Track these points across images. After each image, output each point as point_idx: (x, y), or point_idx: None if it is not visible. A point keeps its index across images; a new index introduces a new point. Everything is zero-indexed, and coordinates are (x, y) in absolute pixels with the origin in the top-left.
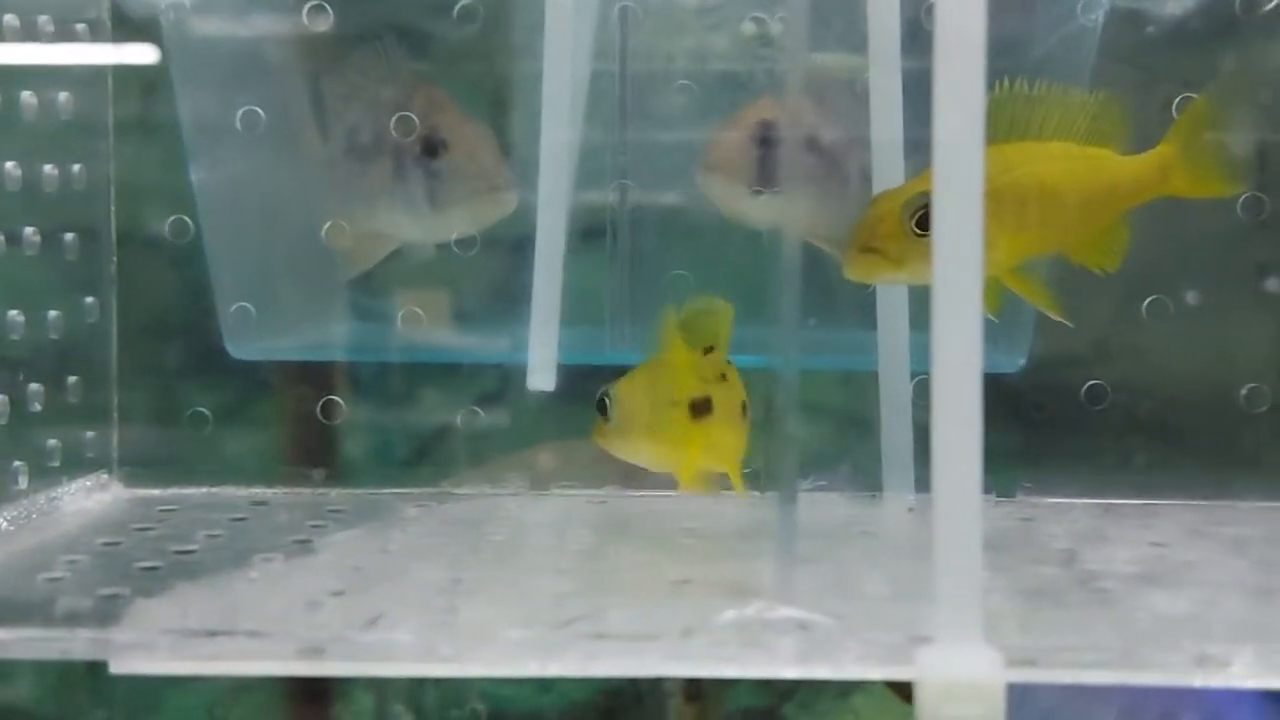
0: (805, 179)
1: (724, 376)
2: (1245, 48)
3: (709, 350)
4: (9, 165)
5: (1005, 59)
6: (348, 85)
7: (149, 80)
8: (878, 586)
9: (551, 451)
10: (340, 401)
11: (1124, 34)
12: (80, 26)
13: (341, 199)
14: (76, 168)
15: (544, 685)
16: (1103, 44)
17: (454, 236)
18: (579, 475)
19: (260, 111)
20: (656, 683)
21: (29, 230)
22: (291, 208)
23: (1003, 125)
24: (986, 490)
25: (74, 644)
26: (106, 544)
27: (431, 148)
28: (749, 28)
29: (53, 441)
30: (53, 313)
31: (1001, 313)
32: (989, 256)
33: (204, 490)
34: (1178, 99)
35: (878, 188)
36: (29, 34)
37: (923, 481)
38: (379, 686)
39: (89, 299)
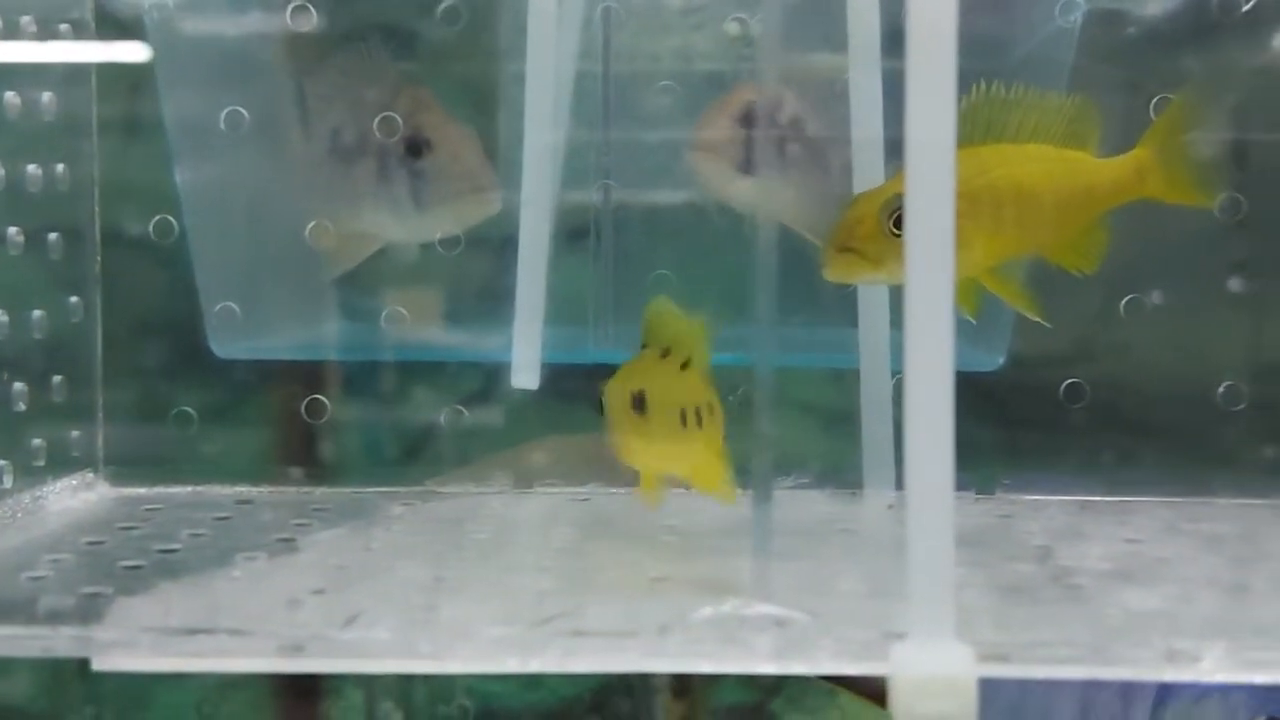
0: (792, 165)
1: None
2: (1222, 49)
3: (666, 353)
4: None
5: (983, 61)
6: (331, 85)
7: (133, 80)
8: (855, 583)
9: (543, 450)
10: (325, 400)
11: (1103, 35)
12: (64, 26)
13: (326, 199)
14: (60, 168)
15: (532, 682)
16: (1081, 45)
17: (438, 237)
18: (570, 473)
19: (244, 111)
20: (645, 679)
21: (13, 230)
22: (276, 207)
23: (979, 128)
24: (966, 487)
25: (56, 641)
26: (91, 543)
27: (415, 148)
28: (732, 28)
29: (38, 441)
30: (37, 312)
31: (980, 312)
32: (966, 257)
33: (189, 489)
34: (1155, 99)
35: (858, 188)
36: (11, 34)
37: (903, 479)
38: (368, 683)
39: (73, 299)
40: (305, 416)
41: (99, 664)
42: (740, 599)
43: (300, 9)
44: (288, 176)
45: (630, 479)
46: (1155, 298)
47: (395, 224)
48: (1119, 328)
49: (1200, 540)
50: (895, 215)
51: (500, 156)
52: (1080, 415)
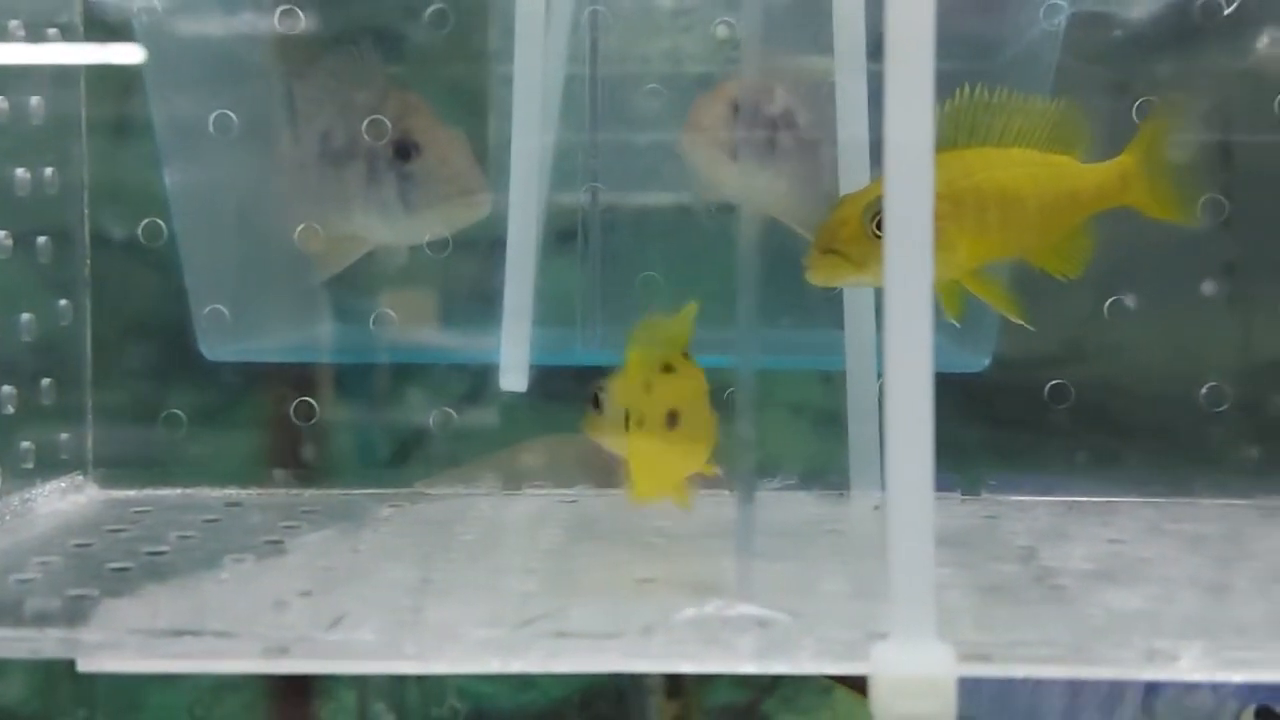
0: (783, 155)
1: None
2: (1204, 52)
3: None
4: None
5: (968, 63)
6: (320, 88)
7: (122, 83)
8: (839, 584)
9: (532, 451)
10: (315, 403)
11: (1086, 38)
12: (52, 30)
13: (315, 202)
14: (49, 171)
15: (524, 683)
16: (1065, 47)
17: (427, 239)
18: (559, 475)
19: (233, 115)
20: (637, 680)
21: (2, 233)
22: (265, 210)
23: (964, 131)
24: (951, 488)
25: (43, 643)
26: (79, 545)
27: (404, 151)
28: (720, 31)
29: (27, 443)
30: (26, 315)
31: (965, 314)
32: (950, 260)
33: (178, 492)
34: (1139, 102)
35: (843, 190)
36: (0, 37)
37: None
38: (360, 684)
39: (62, 301)
40: (294, 419)
41: (84, 665)
42: (723, 600)
43: (289, 12)
44: (277, 179)
45: (619, 479)
46: (1139, 299)
47: (384, 227)
48: (1104, 329)
49: (1183, 540)
50: (878, 218)
51: (489, 159)
52: (1065, 416)
